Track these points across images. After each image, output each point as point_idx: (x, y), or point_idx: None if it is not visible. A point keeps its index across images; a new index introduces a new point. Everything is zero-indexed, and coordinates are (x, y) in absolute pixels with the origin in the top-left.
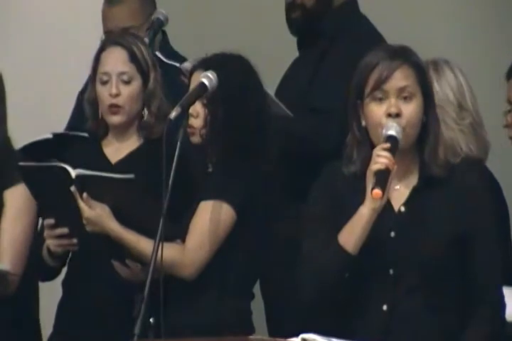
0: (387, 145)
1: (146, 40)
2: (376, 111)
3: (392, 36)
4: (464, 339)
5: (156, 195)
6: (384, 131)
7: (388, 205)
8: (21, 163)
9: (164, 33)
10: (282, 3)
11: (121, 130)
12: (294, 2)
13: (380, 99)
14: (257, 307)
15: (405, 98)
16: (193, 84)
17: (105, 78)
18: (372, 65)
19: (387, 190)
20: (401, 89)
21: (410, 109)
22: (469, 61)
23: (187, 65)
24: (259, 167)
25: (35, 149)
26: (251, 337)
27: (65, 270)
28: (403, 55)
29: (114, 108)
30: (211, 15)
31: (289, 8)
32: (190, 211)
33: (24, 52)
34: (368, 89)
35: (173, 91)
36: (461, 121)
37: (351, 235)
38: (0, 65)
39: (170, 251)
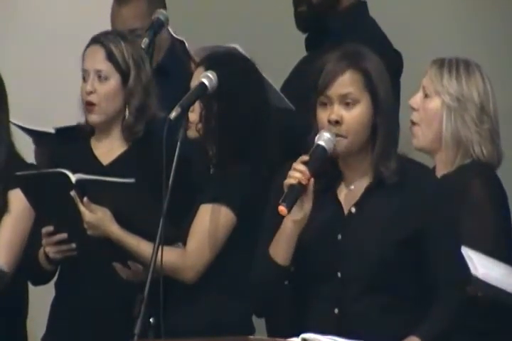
0: (306, 158)
1: (147, 40)
2: (322, 116)
3: (393, 36)
4: (413, 333)
5: (152, 196)
6: (316, 138)
7: (338, 207)
8: (19, 173)
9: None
10: (284, 3)
11: (105, 130)
12: None
13: (325, 105)
14: None
15: (347, 104)
16: (196, 80)
17: (85, 76)
18: (321, 67)
19: (300, 204)
20: (343, 96)
21: (351, 116)
22: None
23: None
24: (260, 168)
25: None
26: (251, 337)
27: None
28: (351, 59)
29: (89, 106)
30: (211, 15)
31: (296, 2)
32: (190, 214)
33: (24, 52)
34: (316, 93)
35: (180, 68)
36: (480, 124)
37: (278, 247)
38: (0, 65)
39: (171, 255)
